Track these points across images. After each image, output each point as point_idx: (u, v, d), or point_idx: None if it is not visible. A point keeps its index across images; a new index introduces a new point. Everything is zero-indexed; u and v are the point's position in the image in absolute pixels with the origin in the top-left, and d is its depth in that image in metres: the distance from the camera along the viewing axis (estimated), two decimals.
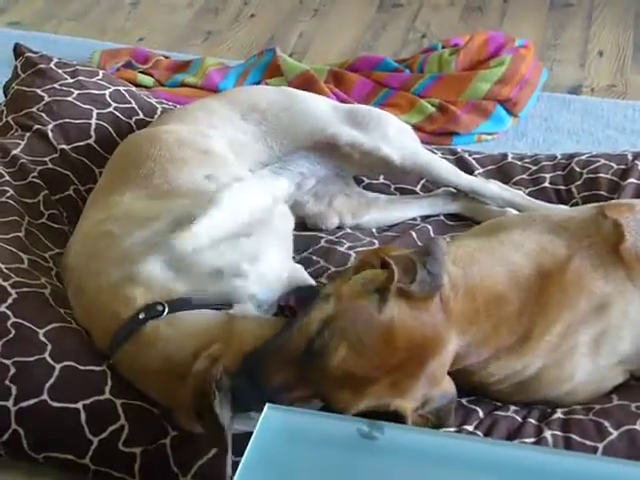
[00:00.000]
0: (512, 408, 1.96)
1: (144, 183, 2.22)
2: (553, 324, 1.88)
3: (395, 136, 2.52)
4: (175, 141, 2.33)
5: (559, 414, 1.95)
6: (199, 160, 2.29)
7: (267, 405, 1.55)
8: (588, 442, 1.87)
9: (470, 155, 2.79)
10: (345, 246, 2.47)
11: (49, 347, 2.01)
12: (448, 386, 1.79)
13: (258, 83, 3.39)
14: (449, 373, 1.81)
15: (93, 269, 2.06)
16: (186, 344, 1.87)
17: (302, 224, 2.53)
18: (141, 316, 1.92)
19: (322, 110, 2.53)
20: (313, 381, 1.69)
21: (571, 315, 1.89)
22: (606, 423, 1.91)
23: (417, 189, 2.70)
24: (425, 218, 2.63)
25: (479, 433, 1.89)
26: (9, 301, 2.10)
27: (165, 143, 2.32)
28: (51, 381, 1.96)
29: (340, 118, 2.51)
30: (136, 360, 1.92)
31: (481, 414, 1.94)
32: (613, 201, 2.37)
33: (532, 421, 1.94)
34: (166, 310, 1.91)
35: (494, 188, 2.58)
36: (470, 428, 1.91)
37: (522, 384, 1.93)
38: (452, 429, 1.88)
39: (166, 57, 3.62)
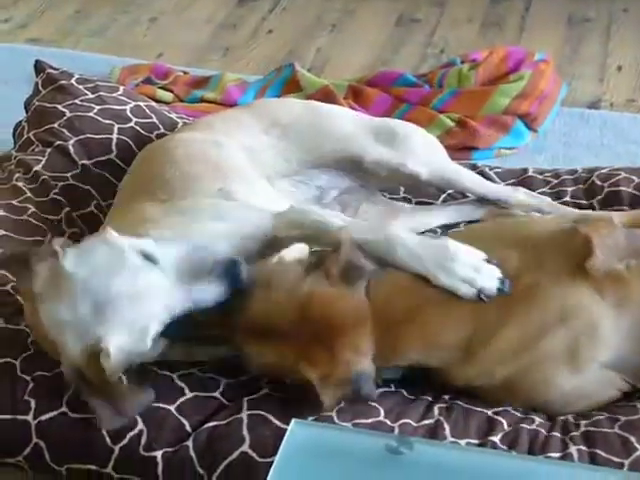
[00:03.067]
0: (537, 420, 1.95)
1: (154, 198, 2.18)
2: (501, 329, 1.90)
3: (421, 150, 2.51)
4: (184, 154, 2.31)
5: (583, 427, 1.94)
6: (210, 174, 2.27)
7: (293, 420, 1.54)
8: (614, 458, 1.86)
9: (491, 169, 2.79)
10: None
11: None
12: (367, 364, 1.85)
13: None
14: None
15: None
16: None
17: None
18: None
19: (346, 127, 2.50)
20: (231, 322, 1.85)
21: (522, 325, 1.90)
22: (632, 438, 1.89)
23: (438, 202, 2.69)
24: (447, 228, 2.62)
25: (503, 446, 1.88)
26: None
27: (173, 157, 2.30)
28: (69, 393, 1.95)
29: (365, 134, 2.49)
30: None
31: (505, 426, 1.93)
32: (596, 213, 2.37)
33: (557, 434, 1.92)
34: None
35: (521, 196, 2.58)
36: (495, 439, 1.89)
37: (503, 387, 1.95)
38: (476, 441, 1.88)
39: (185, 73, 3.63)
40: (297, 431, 1.53)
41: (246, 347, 1.88)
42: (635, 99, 3.60)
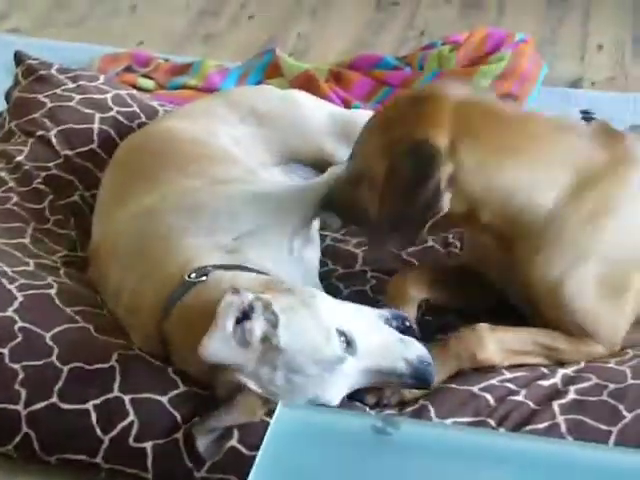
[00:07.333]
0: (522, 392, 1.96)
1: (185, 173, 2.22)
2: None
3: None
4: (192, 139, 2.33)
5: (572, 394, 1.95)
6: (223, 158, 2.30)
7: (279, 404, 1.55)
8: (602, 426, 1.89)
9: None
10: (351, 243, 2.47)
11: (56, 350, 2.01)
12: None
13: (258, 84, 3.39)
14: None
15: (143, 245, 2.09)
16: None
17: None
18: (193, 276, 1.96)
19: (320, 124, 2.53)
20: None
21: None
22: (620, 406, 1.92)
23: None
24: None
25: (491, 421, 1.89)
26: (15, 305, 2.11)
27: (182, 138, 2.33)
28: (60, 384, 1.96)
29: (337, 134, 2.52)
30: (193, 312, 1.92)
31: (492, 402, 1.94)
32: None
33: (544, 407, 1.94)
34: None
35: None
36: (482, 417, 1.90)
37: None
38: (466, 419, 1.89)
39: (166, 60, 3.62)
40: (283, 415, 1.54)
41: None
42: (616, 77, 3.62)
